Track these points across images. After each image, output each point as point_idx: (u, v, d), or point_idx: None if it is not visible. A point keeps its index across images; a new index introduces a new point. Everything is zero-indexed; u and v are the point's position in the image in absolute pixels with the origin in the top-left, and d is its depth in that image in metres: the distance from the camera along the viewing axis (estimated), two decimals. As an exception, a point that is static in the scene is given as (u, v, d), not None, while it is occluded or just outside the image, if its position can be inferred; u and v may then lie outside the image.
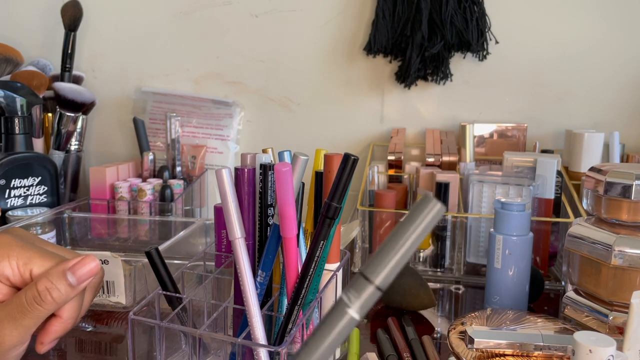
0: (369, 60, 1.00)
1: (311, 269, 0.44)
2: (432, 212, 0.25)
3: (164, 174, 0.96)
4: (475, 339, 0.49)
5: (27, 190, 0.84)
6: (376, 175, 0.89)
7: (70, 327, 0.45)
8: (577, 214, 0.77)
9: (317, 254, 0.43)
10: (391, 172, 0.91)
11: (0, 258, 0.43)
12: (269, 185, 0.47)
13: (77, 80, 1.05)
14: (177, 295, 0.47)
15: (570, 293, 0.56)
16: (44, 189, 0.87)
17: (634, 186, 0.51)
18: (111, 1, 1.07)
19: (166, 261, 0.65)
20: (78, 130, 1.00)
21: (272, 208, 0.47)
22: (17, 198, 0.83)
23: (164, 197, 0.91)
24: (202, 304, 0.48)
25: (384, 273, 0.26)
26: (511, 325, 0.53)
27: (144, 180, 0.96)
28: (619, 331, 0.51)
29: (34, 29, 1.10)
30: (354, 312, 0.26)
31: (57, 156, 0.98)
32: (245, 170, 0.47)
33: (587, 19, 0.94)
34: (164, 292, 0.47)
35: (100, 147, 1.12)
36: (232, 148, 1.03)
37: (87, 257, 0.43)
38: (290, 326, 0.44)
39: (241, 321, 0.48)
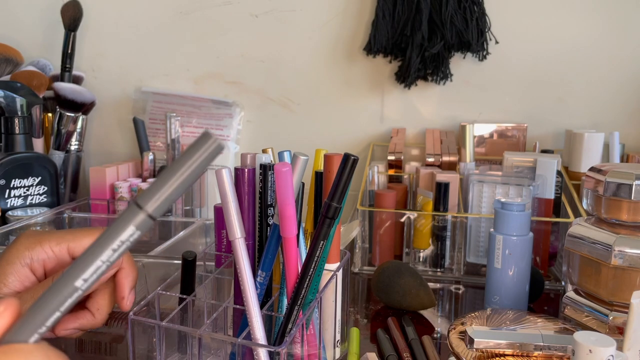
0: (368, 60, 1.00)
1: (311, 269, 0.44)
2: (209, 148, 0.27)
3: (164, 174, 0.96)
4: (475, 339, 0.49)
5: (27, 190, 0.84)
6: (376, 175, 0.89)
7: (95, 326, 0.47)
8: (577, 214, 0.77)
9: (317, 254, 0.43)
10: (391, 172, 0.91)
11: (32, 245, 0.45)
12: (269, 185, 0.47)
13: (77, 80, 1.05)
14: (178, 295, 0.47)
15: (570, 293, 0.56)
16: (44, 189, 0.87)
17: (634, 186, 0.51)
18: (111, 1, 1.07)
19: (166, 261, 0.65)
20: (78, 130, 1.00)
21: (272, 208, 0.47)
22: (17, 198, 0.83)
23: (164, 197, 0.91)
24: (202, 304, 0.48)
25: (158, 202, 0.27)
26: (511, 325, 0.53)
27: (144, 180, 0.96)
28: (619, 331, 0.51)
29: (34, 29, 1.10)
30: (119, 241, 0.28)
31: (57, 156, 0.98)
32: (245, 170, 0.47)
33: (587, 19, 0.94)
34: (164, 292, 0.47)
35: (100, 147, 1.12)
36: (232, 148, 1.03)
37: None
38: (290, 326, 0.44)
39: (241, 321, 0.48)
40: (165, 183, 0.27)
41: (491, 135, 0.98)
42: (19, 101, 0.88)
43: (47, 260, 0.45)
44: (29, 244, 0.45)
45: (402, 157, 0.90)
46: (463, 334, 0.51)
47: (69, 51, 1.02)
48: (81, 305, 0.46)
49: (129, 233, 0.28)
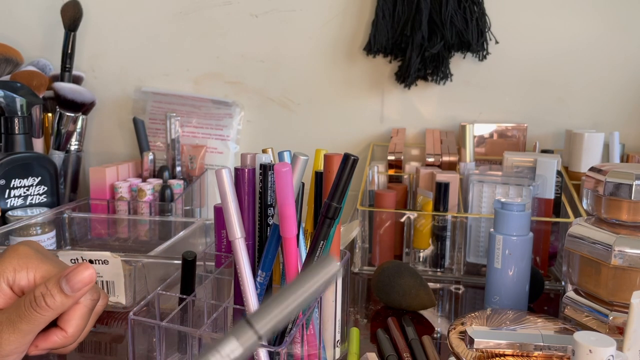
0: (369, 60, 1.00)
1: (311, 269, 0.44)
2: (329, 273, 0.26)
3: (164, 174, 0.96)
4: (475, 339, 0.49)
5: (27, 190, 0.84)
6: (376, 175, 0.89)
7: (68, 343, 0.45)
8: (577, 214, 0.77)
9: (317, 254, 0.43)
10: (391, 172, 0.91)
11: (19, 268, 0.44)
12: (269, 185, 0.47)
13: (77, 80, 1.05)
14: (178, 295, 0.47)
15: (570, 293, 0.56)
16: (44, 189, 0.87)
17: (634, 186, 0.51)
18: (111, 1, 1.07)
19: (166, 261, 0.65)
20: (78, 130, 1.00)
21: (272, 208, 0.47)
22: (17, 198, 0.83)
23: (164, 197, 0.91)
24: (202, 304, 0.48)
25: (270, 324, 0.26)
26: (511, 325, 0.53)
27: (144, 180, 0.96)
28: (619, 331, 0.51)
29: (34, 29, 1.10)
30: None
31: (57, 156, 0.98)
32: (245, 170, 0.47)
33: (587, 19, 0.94)
34: (164, 292, 0.47)
35: (100, 147, 1.12)
36: (232, 148, 1.03)
37: (81, 265, 0.42)
38: (290, 326, 0.44)
39: (241, 321, 0.48)
40: (281, 305, 0.26)
41: (491, 135, 0.98)
42: (19, 101, 0.88)
43: (26, 287, 0.44)
44: (17, 265, 0.44)
45: (402, 157, 0.90)
46: (463, 334, 0.51)
47: (69, 51, 1.02)
48: (52, 323, 0.44)
49: (232, 348, 0.26)
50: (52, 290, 0.42)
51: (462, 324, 0.53)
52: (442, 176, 0.82)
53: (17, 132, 0.87)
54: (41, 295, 0.42)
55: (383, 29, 0.95)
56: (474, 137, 0.93)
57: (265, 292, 0.47)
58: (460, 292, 0.77)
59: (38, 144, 0.96)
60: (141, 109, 1.07)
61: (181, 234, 0.77)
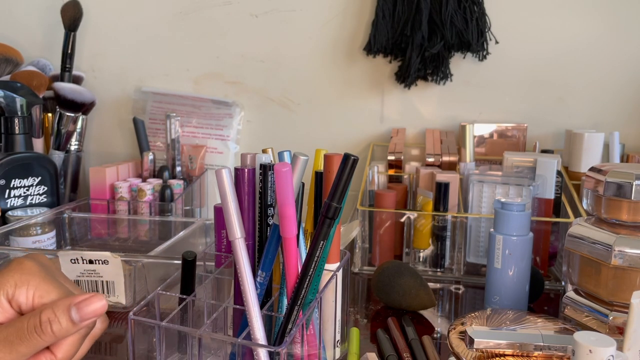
0: (369, 60, 1.00)
1: (311, 269, 0.44)
2: None
3: (164, 174, 0.96)
4: (475, 339, 0.49)
5: (27, 190, 0.84)
6: (376, 175, 0.89)
7: None
8: (577, 214, 0.77)
9: (317, 254, 0.43)
10: (391, 172, 0.91)
11: (20, 284, 0.43)
12: (269, 185, 0.47)
13: (77, 80, 1.05)
14: (178, 295, 0.47)
15: (570, 293, 0.56)
16: (44, 189, 0.87)
17: (634, 186, 0.51)
18: (111, 1, 1.07)
19: (166, 261, 0.65)
20: (78, 130, 1.00)
21: (272, 208, 0.47)
22: (17, 198, 0.83)
23: (164, 197, 0.91)
24: (202, 304, 0.48)
25: None
26: (511, 325, 0.53)
27: (144, 180, 0.96)
28: (619, 331, 0.51)
29: (34, 29, 1.10)
30: None
31: (57, 156, 0.98)
32: (245, 170, 0.47)
33: (587, 19, 0.94)
34: (164, 292, 0.47)
35: (100, 147, 1.12)
36: (232, 148, 1.03)
37: (94, 295, 0.41)
38: (290, 326, 0.44)
39: (241, 321, 0.48)
40: None
41: (491, 135, 0.98)
42: (19, 101, 0.88)
43: (24, 305, 0.43)
44: (19, 280, 0.42)
45: (402, 157, 0.90)
46: (463, 334, 0.51)
47: (69, 51, 1.02)
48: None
49: None
50: (61, 317, 0.40)
51: (462, 324, 0.53)
52: (442, 176, 0.82)
53: (17, 132, 0.87)
54: (48, 321, 0.40)
55: (383, 29, 0.95)
56: (474, 137, 0.93)
57: (265, 292, 0.47)
58: (460, 292, 0.77)
59: (38, 144, 0.96)
60: (141, 109, 1.07)
61: (181, 234, 0.77)
